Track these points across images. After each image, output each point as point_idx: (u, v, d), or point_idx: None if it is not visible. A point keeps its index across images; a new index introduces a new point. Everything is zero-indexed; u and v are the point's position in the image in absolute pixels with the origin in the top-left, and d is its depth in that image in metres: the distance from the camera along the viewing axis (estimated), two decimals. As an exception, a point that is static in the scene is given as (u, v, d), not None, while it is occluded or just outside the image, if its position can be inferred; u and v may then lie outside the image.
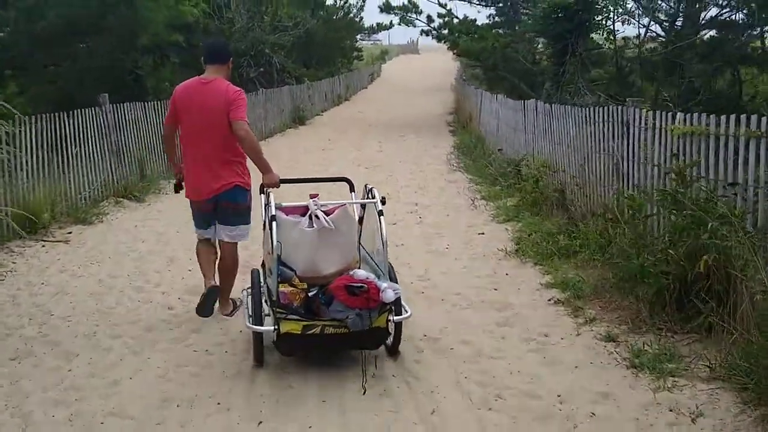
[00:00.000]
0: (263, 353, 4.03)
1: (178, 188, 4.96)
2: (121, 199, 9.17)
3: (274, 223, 4.06)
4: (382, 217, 4.22)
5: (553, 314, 4.90)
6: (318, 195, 4.29)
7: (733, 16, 16.07)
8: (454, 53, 23.26)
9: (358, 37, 35.12)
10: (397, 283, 4.12)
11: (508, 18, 21.72)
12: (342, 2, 28.66)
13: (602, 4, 13.93)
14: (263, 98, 17.25)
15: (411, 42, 66.35)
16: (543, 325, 4.69)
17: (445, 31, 18.80)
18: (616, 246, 5.10)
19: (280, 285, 3.99)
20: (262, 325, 3.93)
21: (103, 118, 9.24)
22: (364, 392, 3.75)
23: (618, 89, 15.65)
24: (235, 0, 21.80)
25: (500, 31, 19.34)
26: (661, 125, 5.45)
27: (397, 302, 4.00)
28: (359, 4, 29.99)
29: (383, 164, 12.74)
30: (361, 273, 4.10)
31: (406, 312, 4.08)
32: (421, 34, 20.40)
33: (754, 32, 16.15)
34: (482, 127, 14.08)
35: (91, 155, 8.92)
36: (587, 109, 6.82)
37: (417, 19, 19.53)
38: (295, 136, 17.64)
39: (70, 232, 7.62)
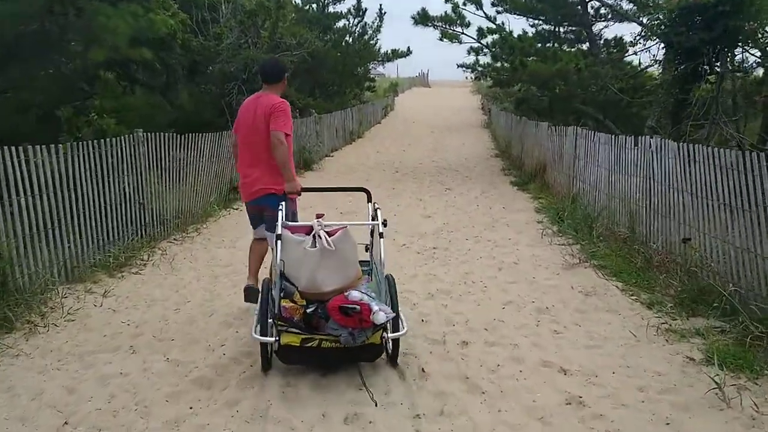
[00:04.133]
0: (270, 360, 4.20)
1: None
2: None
3: (278, 241, 4.29)
4: (382, 239, 4.47)
5: None
6: (324, 215, 4.47)
7: None
8: (493, 81, 18.57)
9: (371, 65, 30.58)
10: (396, 297, 4.27)
11: (574, 36, 17.07)
12: (356, 21, 24.18)
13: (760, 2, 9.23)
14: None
15: (421, 74, 62.19)
16: None
17: (498, 50, 14.08)
18: None
19: (282, 300, 4.17)
20: (267, 335, 4.04)
21: None
22: (376, 404, 3.78)
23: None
24: (225, 12, 17.30)
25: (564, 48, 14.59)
26: None
27: (395, 319, 4.13)
28: (376, 24, 25.48)
29: (444, 245, 7.92)
30: (356, 294, 4.14)
31: (403, 328, 4.19)
32: (469, 53, 15.77)
33: None
34: (582, 184, 9.29)
35: None
36: None
37: (463, 33, 14.88)
38: (300, 188, 12.80)
39: None
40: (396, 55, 29.40)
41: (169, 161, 8.33)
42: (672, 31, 10.09)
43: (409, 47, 28.91)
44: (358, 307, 4.00)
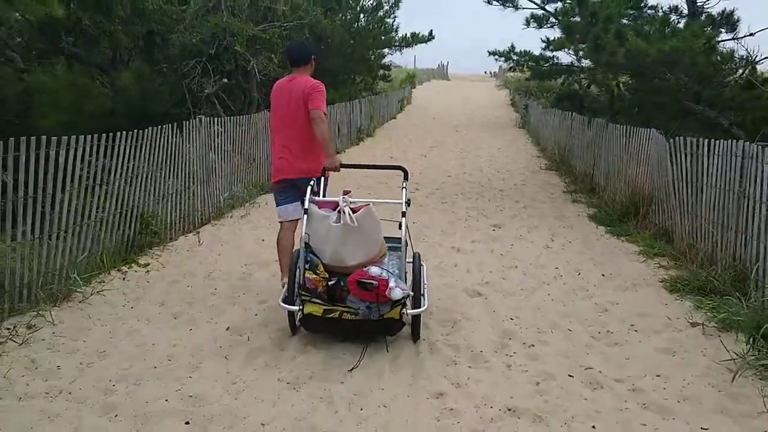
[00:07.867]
0: (296, 326, 4.50)
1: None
2: None
3: (305, 216, 4.50)
4: (404, 217, 4.51)
5: None
6: (350, 192, 4.57)
7: None
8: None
9: (387, 51, 26.13)
10: (420, 275, 4.39)
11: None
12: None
13: None
14: (219, 136, 8.18)
15: (441, 66, 57.52)
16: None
17: (569, 18, 9.70)
18: None
19: (307, 272, 4.38)
20: (293, 304, 4.34)
21: None
22: (352, 369, 3.98)
23: None
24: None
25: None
26: None
27: (416, 296, 4.30)
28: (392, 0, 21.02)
29: (530, 400, 3.61)
30: (375, 270, 4.27)
31: (424, 305, 4.38)
32: (527, 23, 11.44)
33: None
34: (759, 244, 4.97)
35: None
36: None
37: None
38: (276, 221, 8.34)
39: None
40: (416, 39, 24.90)
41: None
42: None
43: (431, 31, 24.53)
44: (375, 282, 4.16)
